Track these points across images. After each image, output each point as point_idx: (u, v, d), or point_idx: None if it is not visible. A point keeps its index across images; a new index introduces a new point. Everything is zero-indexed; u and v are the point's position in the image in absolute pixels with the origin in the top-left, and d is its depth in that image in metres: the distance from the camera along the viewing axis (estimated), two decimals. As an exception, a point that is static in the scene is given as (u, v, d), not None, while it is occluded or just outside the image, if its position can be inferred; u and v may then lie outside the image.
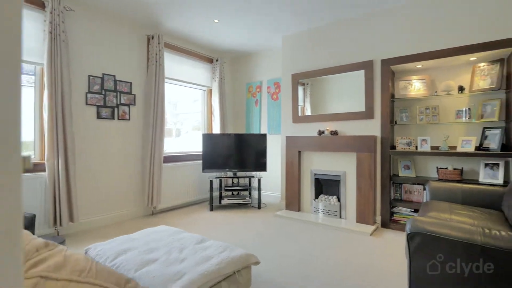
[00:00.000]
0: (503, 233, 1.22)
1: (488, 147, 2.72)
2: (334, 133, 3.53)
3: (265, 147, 4.17)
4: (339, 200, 3.49)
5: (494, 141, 2.71)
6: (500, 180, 2.62)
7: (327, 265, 2.22)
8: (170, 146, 4.35)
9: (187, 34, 4.00)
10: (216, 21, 3.57)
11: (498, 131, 2.70)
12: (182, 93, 4.62)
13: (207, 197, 4.57)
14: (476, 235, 1.25)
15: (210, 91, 4.90)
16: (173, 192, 4.04)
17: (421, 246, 1.35)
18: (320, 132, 3.61)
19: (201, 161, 4.46)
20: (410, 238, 1.38)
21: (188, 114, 4.87)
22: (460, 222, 1.44)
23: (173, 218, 3.61)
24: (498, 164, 2.68)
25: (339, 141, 3.37)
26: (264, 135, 4.17)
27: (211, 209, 3.97)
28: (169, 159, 4.06)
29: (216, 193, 4.27)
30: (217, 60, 4.78)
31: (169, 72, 4.08)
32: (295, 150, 3.76)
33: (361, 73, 3.35)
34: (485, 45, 2.65)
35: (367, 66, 3.29)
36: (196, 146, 4.70)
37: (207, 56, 4.74)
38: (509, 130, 2.65)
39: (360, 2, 3.07)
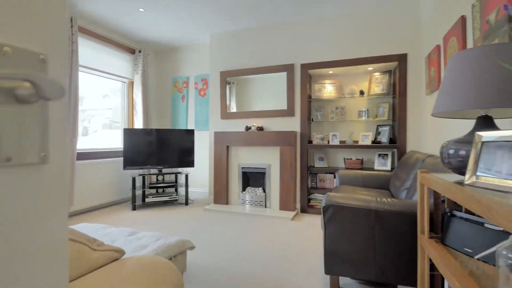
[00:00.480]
0: (388, 200, 1.58)
1: (380, 141, 3.35)
2: (260, 129, 3.77)
3: (193, 142, 4.14)
4: (264, 191, 3.74)
5: (384, 136, 3.35)
6: (388, 167, 3.25)
7: (255, 248, 2.39)
8: (82, 143, 3.90)
9: (107, 20, 3.68)
10: (142, 10, 3.39)
11: (387, 128, 3.35)
12: (92, 87, 4.07)
13: (129, 196, 4.27)
14: (371, 203, 1.57)
15: (132, 83, 4.59)
16: (89, 192, 3.64)
17: (333, 215, 1.62)
18: (247, 128, 3.81)
19: (121, 158, 4.14)
20: (325, 210, 1.63)
21: (97, 110, 4.31)
22: (360, 196, 1.77)
23: (89, 220, 3.26)
24: (387, 154, 3.32)
25: (265, 136, 3.62)
26: (192, 131, 4.15)
27: (134, 208, 3.73)
28: (84, 156, 3.65)
29: (139, 191, 4.03)
30: (140, 51, 4.52)
31: (84, 61, 3.67)
32: (224, 145, 3.86)
33: (283, 74, 3.67)
34: (378, 58, 3.26)
35: (289, 68, 3.63)
36: (113, 143, 4.32)
37: (129, 46, 4.43)
38: (394, 127, 3.32)
39: (282, 11, 3.37)
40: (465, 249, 1.05)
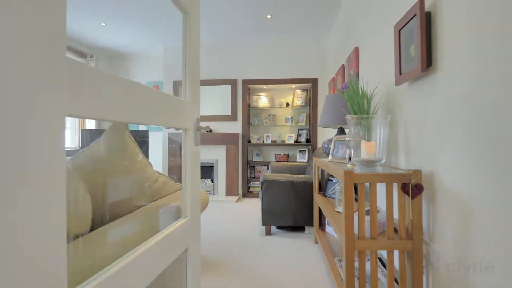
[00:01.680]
0: (299, 175, 2.61)
1: (300, 141, 4.51)
2: (210, 130, 4.56)
3: (147, 142, 4.68)
4: (212, 181, 4.56)
5: (303, 137, 4.52)
6: (306, 160, 4.43)
7: (209, 225, 3.21)
8: None
9: (72, 34, 3.98)
10: (103, 24, 3.85)
11: (305, 131, 4.53)
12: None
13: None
14: (290, 178, 2.58)
15: (84, 86, 4.85)
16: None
17: (267, 187, 2.57)
18: (208, 130, 4.55)
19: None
20: (262, 183, 2.58)
21: None
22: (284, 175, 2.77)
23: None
24: (305, 150, 4.50)
25: (214, 137, 4.44)
26: (146, 132, 4.68)
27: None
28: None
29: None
30: (91, 56, 4.82)
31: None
32: (178, 144, 4.53)
33: (228, 87, 4.55)
34: (298, 80, 4.41)
35: (232, 83, 4.53)
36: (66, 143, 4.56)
37: (80, 51, 4.71)
38: (310, 130, 4.52)
39: (227, 36, 4.24)
40: (331, 194, 2.12)
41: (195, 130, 1.11)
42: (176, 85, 4.67)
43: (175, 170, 4.57)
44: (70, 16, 3.59)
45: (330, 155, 1.98)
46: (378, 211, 1.40)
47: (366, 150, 1.37)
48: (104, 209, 0.91)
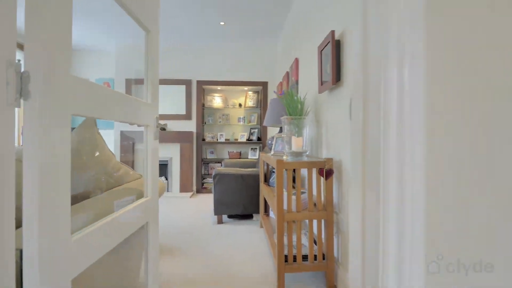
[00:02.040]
0: (248, 169, 2.93)
1: (252, 139, 4.86)
2: (164, 129, 4.65)
3: (99, 140, 4.60)
4: (166, 178, 4.67)
5: (255, 136, 4.88)
6: (257, 156, 4.79)
7: (165, 220, 3.37)
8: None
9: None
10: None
11: (256, 130, 4.90)
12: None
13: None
14: (240, 171, 2.88)
15: (26, 80, 4.59)
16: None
17: (219, 180, 2.84)
18: (162, 129, 4.63)
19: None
20: (214, 177, 2.84)
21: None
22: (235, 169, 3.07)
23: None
24: (256, 148, 4.86)
25: (168, 135, 4.55)
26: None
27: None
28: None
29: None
30: (35, 49, 4.57)
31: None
32: (130, 141, 4.55)
33: (183, 86, 4.71)
34: (250, 83, 4.75)
35: (187, 83, 4.70)
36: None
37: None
38: (260, 130, 4.89)
39: (182, 38, 4.41)
40: (273, 183, 2.47)
41: (155, 126, 1.34)
42: (129, 83, 4.67)
43: (129, 165, 4.57)
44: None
45: (272, 150, 2.33)
46: (304, 192, 1.77)
47: (295, 144, 1.73)
48: (77, 190, 1.10)
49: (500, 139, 0.86)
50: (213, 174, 2.88)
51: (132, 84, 4.68)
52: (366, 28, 1.09)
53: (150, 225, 1.25)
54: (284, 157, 1.83)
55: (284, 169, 1.57)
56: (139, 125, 1.32)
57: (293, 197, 1.62)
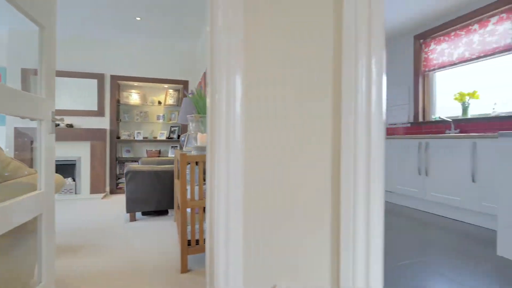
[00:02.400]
0: (159, 166, 2.99)
1: (173, 137, 4.86)
2: (70, 125, 4.27)
3: (-16, 137, 3.94)
4: (74, 180, 4.29)
5: (175, 134, 4.88)
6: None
7: (72, 221, 3.14)
8: None
9: None
10: None
11: (177, 128, 4.90)
12: None
13: None
14: (154, 168, 2.92)
15: None
16: None
17: (131, 177, 2.82)
18: (56, 125, 4.19)
19: None
20: (126, 174, 2.81)
21: None
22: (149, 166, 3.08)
23: None
24: (177, 146, 4.87)
25: (75, 133, 4.19)
26: (-18, 125, 3.93)
27: None
28: None
29: None
30: None
31: None
32: (28, 140, 4.03)
33: (95, 81, 4.40)
34: (171, 81, 4.74)
35: (99, 77, 4.41)
36: None
37: None
38: (181, 128, 4.92)
39: (92, 29, 4.13)
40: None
41: (50, 121, 1.34)
42: (26, 73, 4.13)
43: (26, 163, 4.04)
44: None
45: (184, 146, 2.46)
46: (208, 183, 1.97)
47: (200, 140, 1.91)
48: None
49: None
50: (125, 171, 2.84)
51: (30, 74, 4.15)
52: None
53: (44, 217, 1.26)
54: (193, 152, 2.00)
55: (187, 162, 1.74)
56: (31, 119, 1.30)
57: (196, 187, 1.80)
